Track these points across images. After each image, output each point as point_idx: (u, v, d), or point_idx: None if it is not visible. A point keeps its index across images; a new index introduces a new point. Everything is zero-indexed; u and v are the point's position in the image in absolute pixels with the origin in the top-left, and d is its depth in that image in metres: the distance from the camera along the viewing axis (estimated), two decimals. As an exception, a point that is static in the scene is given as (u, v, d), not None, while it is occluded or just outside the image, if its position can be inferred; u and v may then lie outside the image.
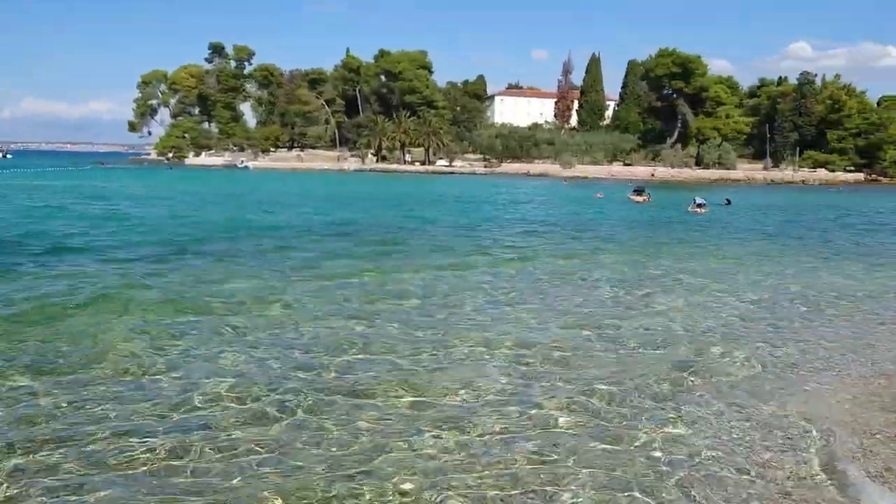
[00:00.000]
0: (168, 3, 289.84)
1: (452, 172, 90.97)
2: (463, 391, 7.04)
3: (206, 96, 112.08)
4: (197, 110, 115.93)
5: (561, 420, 6.36)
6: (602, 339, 9.18)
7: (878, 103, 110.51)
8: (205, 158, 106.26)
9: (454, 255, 16.81)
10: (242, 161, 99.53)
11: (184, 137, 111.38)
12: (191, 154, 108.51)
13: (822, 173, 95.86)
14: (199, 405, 6.52)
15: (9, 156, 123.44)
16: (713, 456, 5.64)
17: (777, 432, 6.16)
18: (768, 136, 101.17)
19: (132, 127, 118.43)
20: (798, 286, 13.72)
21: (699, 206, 35.17)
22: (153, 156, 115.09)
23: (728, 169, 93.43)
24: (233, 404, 6.56)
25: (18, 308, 9.98)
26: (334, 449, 5.67)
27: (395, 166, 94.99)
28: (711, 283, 13.76)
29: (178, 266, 14.19)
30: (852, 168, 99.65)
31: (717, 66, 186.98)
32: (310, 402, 6.61)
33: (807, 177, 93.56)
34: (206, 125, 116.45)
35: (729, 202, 41.37)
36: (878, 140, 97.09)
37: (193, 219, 24.80)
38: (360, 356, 8.16)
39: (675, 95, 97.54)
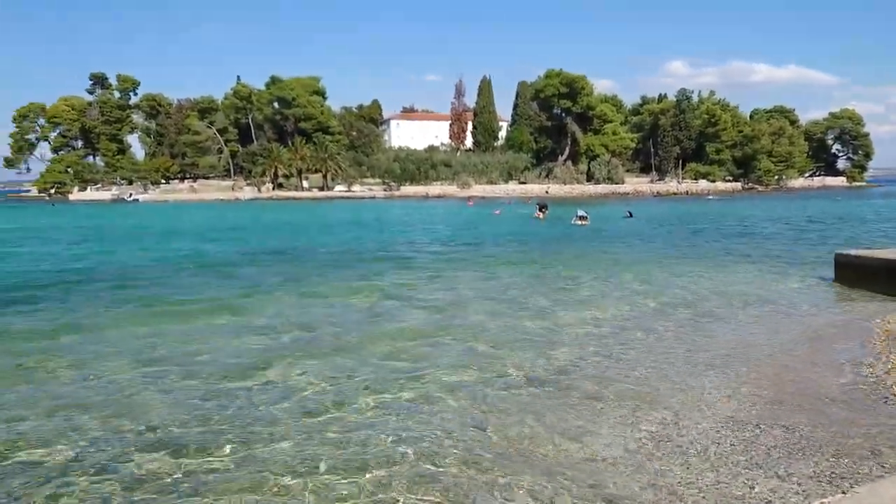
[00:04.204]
0: (40, 35, 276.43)
1: (352, 197, 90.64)
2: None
3: (89, 129, 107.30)
4: (80, 143, 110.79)
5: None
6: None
7: (751, 116, 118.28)
8: (91, 193, 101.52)
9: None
10: (131, 194, 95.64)
11: (67, 172, 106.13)
12: (75, 189, 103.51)
13: (703, 184, 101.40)
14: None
15: None
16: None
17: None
18: (652, 150, 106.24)
19: (9, 163, 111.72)
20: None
21: (581, 218, 37.71)
22: (33, 192, 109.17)
23: (617, 184, 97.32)
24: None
25: None
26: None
27: (292, 193, 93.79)
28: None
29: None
30: (730, 178, 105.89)
31: (602, 85, 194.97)
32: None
33: (690, 188, 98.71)
34: (90, 159, 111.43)
35: (631, 215, 43.40)
36: (752, 151, 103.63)
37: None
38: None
39: (564, 114, 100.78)
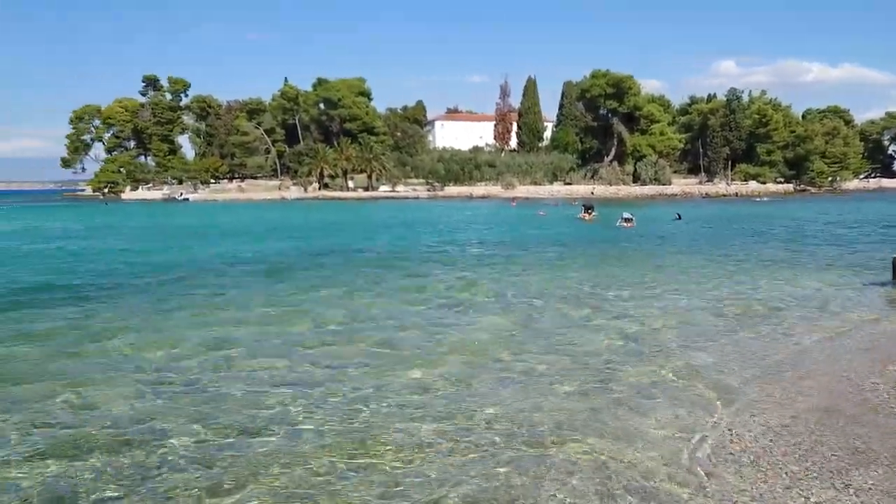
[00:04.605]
0: (95, 38, 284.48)
1: (396, 197, 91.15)
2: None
3: (141, 129, 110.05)
4: (133, 144, 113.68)
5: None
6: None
7: (803, 116, 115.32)
8: (142, 192, 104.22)
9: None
10: (182, 194, 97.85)
11: (120, 172, 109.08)
12: (127, 188, 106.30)
13: (753, 185, 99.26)
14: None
15: None
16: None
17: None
18: (701, 151, 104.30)
19: (66, 163, 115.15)
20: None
21: (626, 220, 37.51)
22: (88, 192, 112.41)
23: (664, 185, 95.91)
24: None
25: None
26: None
27: (337, 193, 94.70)
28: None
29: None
30: (782, 180, 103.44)
31: (650, 85, 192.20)
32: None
33: (740, 189, 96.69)
34: (142, 159, 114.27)
35: (679, 217, 43.15)
36: (805, 151, 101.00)
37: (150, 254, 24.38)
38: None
39: (610, 115, 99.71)
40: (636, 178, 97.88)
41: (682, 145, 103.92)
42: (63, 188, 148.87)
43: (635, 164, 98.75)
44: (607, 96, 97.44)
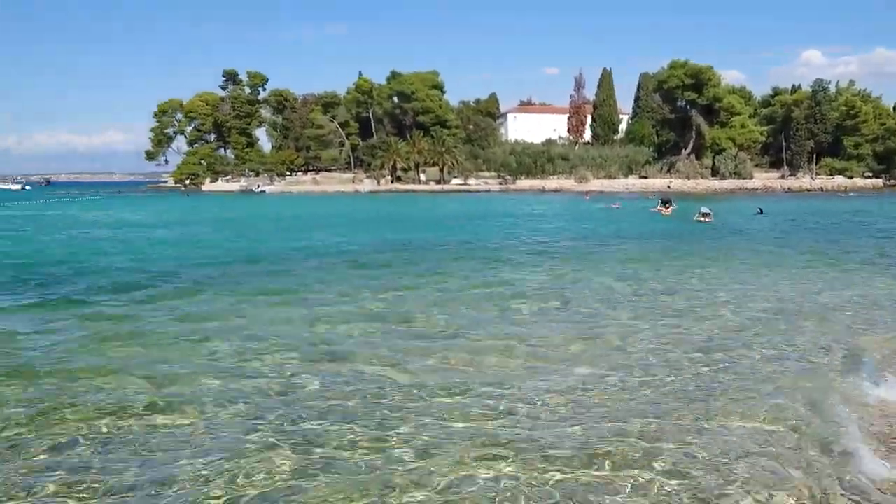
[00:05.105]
0: (177, 34, 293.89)
1: (468, 190, 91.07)
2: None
3: (221, 123, 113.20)
4: (213, 137, 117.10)
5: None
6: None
7: (895, 108, 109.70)
8: (221, 184, 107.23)
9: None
10: (259, 186, 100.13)
11: (200, 164, 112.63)
12: (207, 180, 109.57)
13: (839, 180, 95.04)
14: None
15: (28, 187, 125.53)
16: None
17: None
18: (784, 144, 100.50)
19: (149, 155, 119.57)
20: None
21: (704, 215, 36.70)
22: (170, 183, 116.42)
23: (744, 179, 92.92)
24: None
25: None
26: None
27: (410, 186, 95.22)
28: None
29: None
30: (870, 174, 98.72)
31: (730, 76, 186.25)
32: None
33: (825, 184, 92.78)
34: (221, 151, 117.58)
35: (761, 211, 42.39)
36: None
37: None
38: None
39: (688, 106, 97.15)
40: (715, 172, 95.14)
41: (763, 138, 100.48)
42: (147, 180, 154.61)
43: (714, 157, 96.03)
44: (685, 87, 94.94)
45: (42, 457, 6.05)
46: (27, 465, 5.86)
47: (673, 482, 5.50)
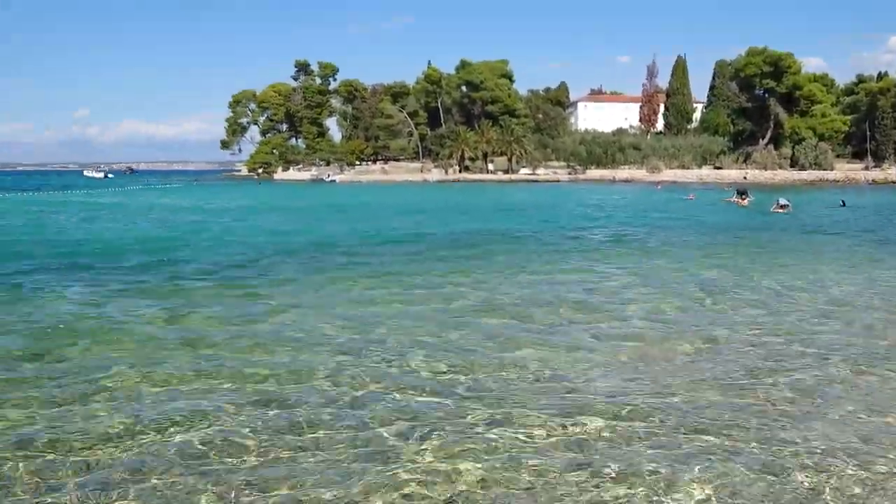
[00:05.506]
0: (249, 26, 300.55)
1: (536, 181, 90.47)
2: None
3: (293, 113, 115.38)
4: (285, 127, 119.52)
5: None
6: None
7: None
8: (292, 173, 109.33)
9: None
10: (329, 175, 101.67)
11: (272, 153, 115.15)
12: (279, 169, 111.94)
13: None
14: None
15: (110, 175, 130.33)
16: None
17: None
18: (868, 134, 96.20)
19: (224, 145, 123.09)
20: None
21: (782, 206, 35.90)
22: (244, 172, 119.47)
23: (825, 170, 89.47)
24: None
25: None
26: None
27: (478, 176, 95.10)
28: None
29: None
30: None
31: (811, 63, 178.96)
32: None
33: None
34: (293, 141, 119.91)
35: (844, 204, 41.05)
36: None
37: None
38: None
39: (766, 95, 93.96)
40: (794, 163, 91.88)
41: (846, 128, 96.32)
42: (221, 168, 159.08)
43: (793, 147, 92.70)
44: (763, 75, 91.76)
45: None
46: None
47: None
